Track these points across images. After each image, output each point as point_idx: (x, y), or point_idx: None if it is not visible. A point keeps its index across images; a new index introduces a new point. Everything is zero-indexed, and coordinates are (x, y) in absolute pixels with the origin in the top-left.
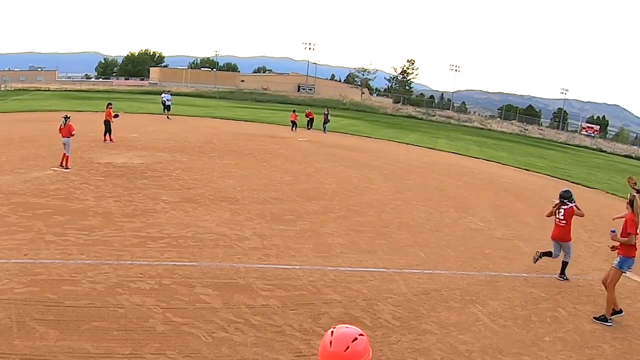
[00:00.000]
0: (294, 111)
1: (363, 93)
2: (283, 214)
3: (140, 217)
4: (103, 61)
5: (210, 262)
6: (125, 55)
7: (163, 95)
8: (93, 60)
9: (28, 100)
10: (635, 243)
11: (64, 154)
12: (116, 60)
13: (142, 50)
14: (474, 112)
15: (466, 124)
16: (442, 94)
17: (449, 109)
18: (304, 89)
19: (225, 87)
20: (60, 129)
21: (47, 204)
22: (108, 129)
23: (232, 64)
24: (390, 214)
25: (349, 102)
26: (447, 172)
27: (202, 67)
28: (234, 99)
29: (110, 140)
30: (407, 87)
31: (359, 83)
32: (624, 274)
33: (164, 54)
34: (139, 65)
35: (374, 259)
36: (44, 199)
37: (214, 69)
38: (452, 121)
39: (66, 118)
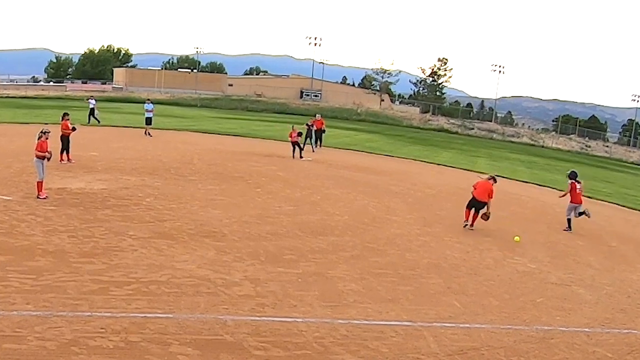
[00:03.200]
0: (293, 127)
1: (383, 100)
2: (282, 253)
3: (102, 257)
4: (54, 60)
5: (189, 314)
6: (83, 52)
7: (145, 105)
8: (42, 59)
9: None
10: None
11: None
12: (71, 59)
13: (103, 46)
14: (523, 124)
15: (513, 139)
16: (483, 101)
17: (490, 121)
18: (307, 94)
19: (209, 92)
20: None
21: None
22: (66, 146)
23: (218, 63)
24: (416, 252)
25: (365, 111)
26: None
27: (180, 68)
28: (219, 107)
29: (68, 159)
30: (438, 93)
31: (378, 88)
32: None
33: (131, 52)
34: (99, 65)
35: (396, 309)
36: None
37: (195, 70)
38: (495, 136)
39: (41, 133)
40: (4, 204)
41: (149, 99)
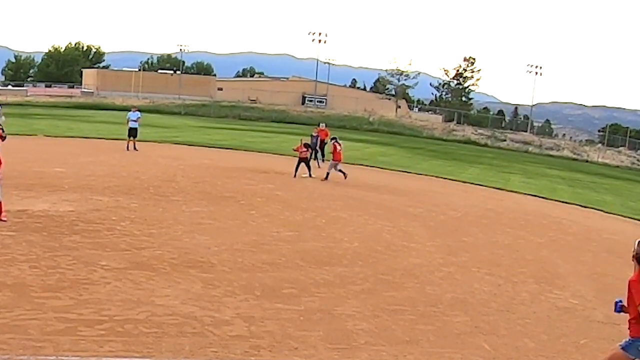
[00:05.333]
0: (302, 140)
1: (399, 107)
2: (280, 287)
3: (69, 291)
4: (13, 60)
5: (172, 358)
6: (46, 51)
7: (129, 113)
8: None
9: None
10: None
11: None
12: (33, 59)
13: (71, 44)
14: (564, 134)
15: (552, 152)
16: (516, 108)
17: (526, 131)
18: (311, 100)
19: (195, 97)
20: None
21: None
22: None
23: (205, 64)
24: (439, 286)
25: (378, 120)
26: (524, 224)
27: (161, 69)
28: (207, 115)
29: None
30: (464, 98)
31: (393, 92)
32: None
33: (103, 50)
34: (66, 65)
35: (415, 352)
36: None
37: (178, 72)
38: (530, 148)
39: None
40: None
41: (134, 106)
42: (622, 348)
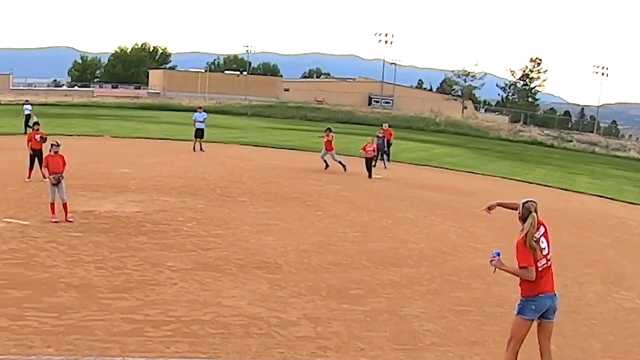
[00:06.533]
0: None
1: (465, 108)
2: (347, 287)
3: (135, 292)
4: (80, 61)
5: (238, 359)
6: (113, 52)
7: (196, 114)
8: (65, 60)
9: None
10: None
11: (62, 202)
12: (99, 60)
13: (137, 45)
14: (630, 135)
15: (618, 153)
16: (583, 108)
17: (592, 132)
18: (377, 101)
19: (262, 98)
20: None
21: None
22: (39, 161)
23: (272, 64)
24: (505, 286)
25: (445, 121)
26: (590, 224)
27: (227, 70)
28: (273, 116)
29: (44, 176)
30: (530, 99)
31: (459, 93)
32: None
33: (170, 51)
34: (132, 66)
35: (481, 353)
36: None
37: (245, 73)
38: (597, 149)
39: (53, 146)
40: (21, 230)
41: (200, 107)
42: (518, 313)
